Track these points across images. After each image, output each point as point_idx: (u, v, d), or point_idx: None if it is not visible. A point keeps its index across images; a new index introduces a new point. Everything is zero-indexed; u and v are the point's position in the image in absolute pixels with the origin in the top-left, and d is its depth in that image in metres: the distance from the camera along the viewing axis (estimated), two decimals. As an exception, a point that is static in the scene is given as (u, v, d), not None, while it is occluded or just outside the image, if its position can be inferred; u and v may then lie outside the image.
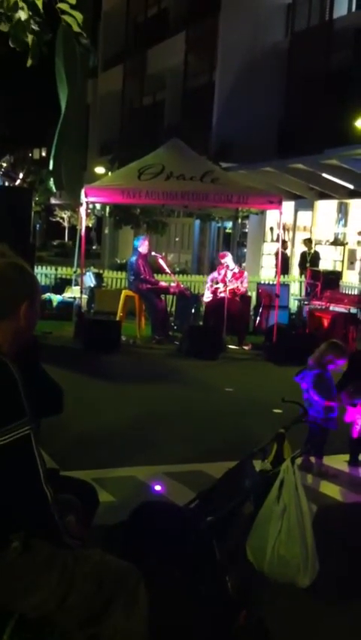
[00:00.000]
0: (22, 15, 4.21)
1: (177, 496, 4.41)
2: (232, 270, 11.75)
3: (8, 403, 2.08)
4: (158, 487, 4.84)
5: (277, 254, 14.31)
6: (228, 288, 11.36)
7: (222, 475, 3.52)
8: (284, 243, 18.81)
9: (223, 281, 11.54)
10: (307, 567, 3.04)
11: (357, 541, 4.32)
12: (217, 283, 11.82)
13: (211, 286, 11.97)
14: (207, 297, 12.03)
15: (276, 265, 13.22)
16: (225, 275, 11.60)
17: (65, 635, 2.25)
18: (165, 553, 3.01)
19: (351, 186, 17.26)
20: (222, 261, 11.86)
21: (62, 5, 4.18)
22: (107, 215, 22.29)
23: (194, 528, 3.10)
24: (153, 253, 12.29)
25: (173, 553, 3.04)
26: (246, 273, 12.60)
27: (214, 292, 11.81)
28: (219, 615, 3.05)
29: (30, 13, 4.24)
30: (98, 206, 20.00)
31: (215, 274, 12.12)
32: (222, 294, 11.39)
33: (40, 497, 2.10)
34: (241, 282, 11.89)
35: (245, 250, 23.27)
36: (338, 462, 5.76)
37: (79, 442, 5.82)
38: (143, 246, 11.75)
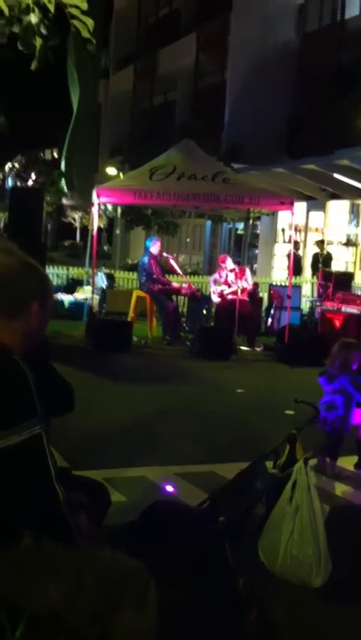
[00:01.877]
0: (33, 18, 4.22)
1: (189, 496, 4.41)
2: (232, 271, 11.77)
3: (20, 402, 2.09)
4: (169, 488, 4.84)
5: (289, 255, 14.27)
6: (233, 289, 11.40)
7: (234, 476, 3.52)
8: (296, 243, 18.76)
9: (226, 282, 11.58)
10: (320, 567, 3.03)
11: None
12: (220, 285, 11.88)
13: (216, 288, 12.03)
14: (215, 299, 12.07)
15: (288, 266, 13.20)
16: (226, 277, 11.65)
17: (75, 634, 2.25)
18: (176, 553, 3.01)
19: (363, 187, 17.19)
20: (223, 265, 12.00)
21: (72, 10, 4.19)
22: (118, 216, 22.33)
23: (205, 529, 3.10)
24: (165, 254, 12.31)
25: (184, 553, 3.04)
26: (248, 270, 12.63)
27: (221, 295, 11.86)
28: (230, 616, 3.05)
29: (40, 17, 4.25)
30: (109, 207, 20.07)
31: (216, 275, 12.18)
32: (230, 297, 11.41)
33: (52, 496, 2.11)
34: (246, 280, 11.92)
35: (257, 251, 23.24)
36: (350, 464, 5.74)
37: (90, 442, 5.83)
38: (155, 247, 11.77)
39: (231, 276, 11.63)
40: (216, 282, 12.09)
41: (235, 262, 12.57)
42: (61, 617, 2.18)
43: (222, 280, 11.75)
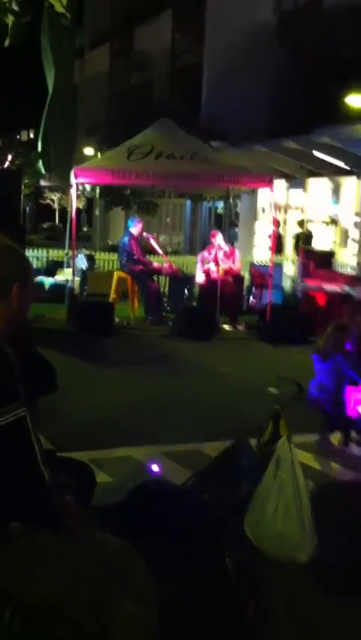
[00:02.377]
0: (4, -4, 4.15)
1: (175, 475, 4.42)
2: (222, 250, 11.72)
3: (2, 386, 2.07)
4: (155, 467, 4.85)
5: (270, 235, 14.30)
6: (220, 268, 11.34)
7: (219, 454, 3.53)
8: (277, 222, 18.77)
9: (215, 260, 11.51)
10: (305, 543, 3.06)
11: (355, 518, 4.34)
12: (208, 263, 11.80)
13: (203, 266, 11.95)
14: (200, 277, 12.02)
15: (270, 247, 13.22)
16: (216, 255, 11.56)
17: (75, 624, 2.24)
18: (165, 532, 3.02)
19: (343, 164, 17.20)
20: (213, 240, 11.83)
21: (45, -15, 4.12)
22: (97, 196, 22.18)
23: (193, 507, 3.11)
24: (145, 234, 12.25)
25: (172, 532, 3.05)
26: (237, 252, 12.58)
27: (207, 272, 11.79)
28: (219, 593, 3.06)
29: (11, -6, 4.18)
30: (88, 187, 19.89)
31: (205, 253, 12.10)
32: (215, 275, 11.36)
33: (38, 478, 2.10)
34: (233, 262, 11.88)
35: (237, 230, 23.21)
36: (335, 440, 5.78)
37: (75, 425, 5.83)
38: (135, 228, 11.70)
39: (220, 255, 11.57)
40: (204, 259, 12.01)
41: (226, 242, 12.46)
42: (51, 600, 2.18)
43: (211, 257, 11.68)
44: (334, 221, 19.20)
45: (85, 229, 34.55)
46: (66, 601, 2.14)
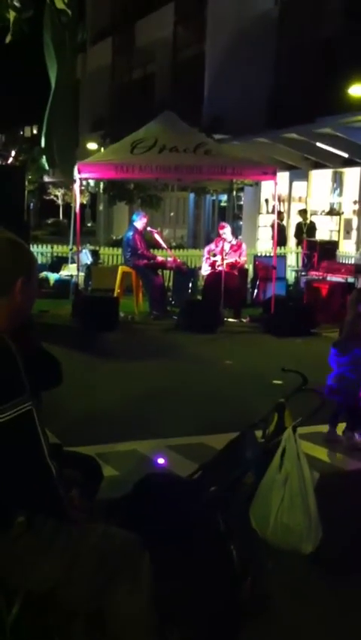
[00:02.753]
0: (6, -9, 4.15)
1: (180, 468, 4.44)
2: (229, 243, 11.71)
3: (8, 380, 2.09)
4: (160, 460, 4.87)
5: (273, 225, 14.27)
6: (226, 262, 11.33)
7: (224, 446, 3.55)
8: (280, 214, 18.72)
9: (221, 253, 11.51)
10: (311, 534, 3.07)
11: (360, 508, 4.36)
12: (215, 255, 11.79)
13: (208, 258, 11.94)
14: (206, 269, 12.01)
15: (273, 237, 13.20)
16: (222, 248, 11.55)
17: (71, 610, 2.27)
18: (169, 524, 3.04)
19: (345, 155, 17.15)
20: (221, 232, 11.82)
21: (46, -19, 4.13)
22: (101, 191, 22.18)
23: (197, 499, 3.13)
24: (149, 228, 12.26)
25: (177, 524, 3.07)
26: (244, 245, 12.56)
27: (212, 265, 11.78)
28: (224, 585, 3.09)
29: (13, -10, 4.19)
30: (91, 182, 19.91)
31: (212, 246, 12.10)
32: (220, 267, 11.36)
33: (45, 472, 2.12)
34: (239, 255, 11.87)
35: (241, 223, 23.19)
36: (340, 430, 5.79)
37: (80, 419, 5.85)
38: (140, 222, 11.71)
39: (227, 247, 11.56)
40: (210, 252, 12.01)
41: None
42: (56, 594, 2.20)
43: (218, 250, 11.68)
44: (336, 212, 19.15)
45: (89, 224, 34.57)
46: (62, 585, 2.16)
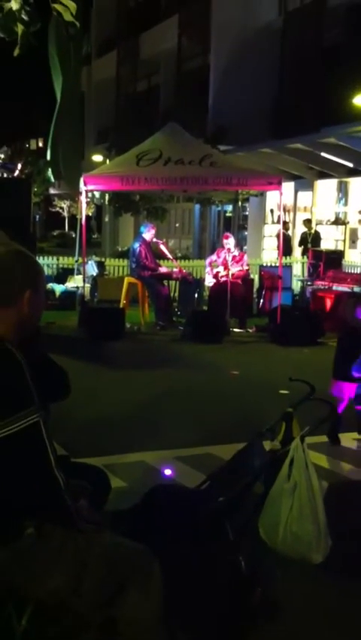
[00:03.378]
0: (14, 5, 4.18)
1: (188, 479, 4.44)
2: (232, 254, 11.73)
3: (16, 391, 2.09)
4: (168, 471, 4.86)
5: (278, 235, 14.29)
6: (230, 272, 11.35)
7: (232, 456, 3.54)
8: (285, 224, 18.77)
9: (224, 264, 11.52)
10: (320, 543, 3.06)
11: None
12: (217, 267, 11.82)
13: (212, 270, 11.97)
14: (210, 281, 12.03)
15: (278, 247, 13.21)
16: (225, 259, 11.58)
17: (81, 619, 2.27)
18: (178, 535, 3.04)
19: (350, 164, 17.18)
20: (225, 241, 11.84)
21: (53, -7, 4.14)
22: (106, 203, 22.23)
23: (206, 509, 3.13)
24: (155, 239, 12.29)
25: (186, 534, 3.06)
26: (246, 256, 12.59)
27: (216, 276, 11.81)
28: (233, 595, 3.08)
29: (21, 3, 4.21)
30: (97, 194, 19.96)
31: (213, 257, 12.13)
32: (225, 278, 11.38)
33: (53, 483, 2.12)
34: (242, 265, 11.89)
35: (246, 233, 23.23)
36: (347, 440, 5.79)
37: (87, 430, 5.85)
38: (148, 233, 11.75)
39: (229, 258, 11.58)
40: (212, 263, 12.05)
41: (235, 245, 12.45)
42: (66, 603, 2.20)
43: (220, 261, 11.70)
44: (342, 222, 19.17)
45: (95, 236, 34.65)
46: (71, 595, 2.16)
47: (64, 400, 2.66)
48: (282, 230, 14.76)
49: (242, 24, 21.91)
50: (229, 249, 11.67)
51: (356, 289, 12.05)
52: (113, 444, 5.51)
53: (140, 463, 5.15)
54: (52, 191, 34.25)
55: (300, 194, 21.02)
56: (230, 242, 11.80)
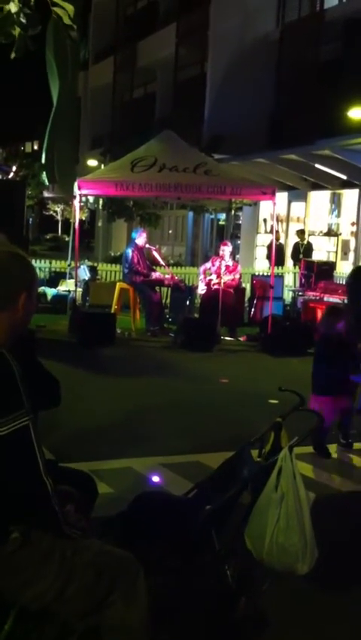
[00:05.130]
0: (13, 7, 4.16)
1: (175, 486, 4.42)
2: (225, 263, 11.75)
3: (6, 394, 2.08)
4: (155, 478, 4.85)
5: (270, 245, 14.32)
6: (222, 281, 11.37)
7: (220, 465, 3.53)
8: (277, 233, 18.83)
9: (218, 272, 11.54)
10: (306, 554, 3.05)
11: (355, 529, 4.35)
12: (210, 275, 11.83)
13: (205, 278, 11.98)
14: (202, 289, 12.05)
15: (270, 256, 13.23)
16: (219, 267, 11.59)
17: (65, 626, 2.26)
18: (164, 543, 3.02)
19: (344, 176, 17.26)
20: (223, 248, 11.87)
21: (52, -4, 4.13)
22: (100, 208, 22.25)
23: (192, 518, 3.11)
24: (147, 245, 12.30)
25: (172, 543, 3.05)
26: (239, 267, 12.61)
27: (208, 284, 11.82)
28: (218, 604, 3.07)
29: (20, 5, 4.20)
30: (91, 199, 19.97)
31: (207, 264, 12.15)
32: (216, 287, 11.39)
33: (41, 487, 2.11)
34: (234, 275, 11.91)
35: (239, 242, 23.28)
36: (334, 451, 5.79)
37: (75, 435, 5.83)
38: (140, 238, 11.76)
39: (223, 268, 11.59)
40: (205, 271, 12.07)
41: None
42: (50, 609, 2.19)
43: (214, 269, 11.72)
44: (334, 233, 19.25)
45: (88, 240, 34.63)
46: (56, 601, 2.15)
47: (54, 408, 2.65)
48: (274, 240, 14.81)
49: (240, 35, 22.02)
50: (223, 256, 11.69)
51: (347, 300, 12.06)
52: (100, 449, 5.49)
53: (127, 469, 5.13)
54: (46, 194, 34.26)
55: (293, 204, 21.09)
56: (227, 249, 11.83)
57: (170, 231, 27.23)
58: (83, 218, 32.34)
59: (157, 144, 12.10)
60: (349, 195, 18.82)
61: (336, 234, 19.21)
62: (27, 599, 2.17)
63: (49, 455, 3.65)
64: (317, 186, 19.27)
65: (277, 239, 18.38)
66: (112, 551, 2.29)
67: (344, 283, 14.72)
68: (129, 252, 11.64)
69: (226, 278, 11.56)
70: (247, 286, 14.01)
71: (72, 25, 4.08)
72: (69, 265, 14.51)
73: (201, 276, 12.18)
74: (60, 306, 12.96)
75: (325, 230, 19.60)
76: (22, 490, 2.11)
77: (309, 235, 18.97)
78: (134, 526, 3.10)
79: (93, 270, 14.86)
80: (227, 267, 11.76)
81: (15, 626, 2.18)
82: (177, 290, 12.45)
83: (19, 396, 2.09)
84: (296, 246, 17.60)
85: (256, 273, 15.61)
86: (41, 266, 15.79)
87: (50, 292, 13.71)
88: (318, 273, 13.73)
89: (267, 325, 11.13)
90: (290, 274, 16.81)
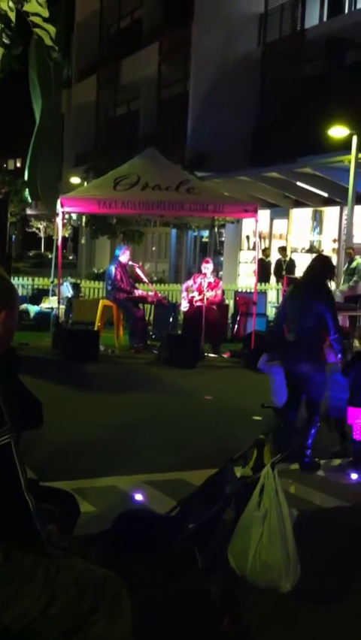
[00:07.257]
0: (-5, 28, 4.20)
1: (158, 504, 4.41)
2: (207, 280, 11.79)
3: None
4: (139, 497, 4.83)
5: (255, 261, 14.39)
6: (204, 297, 11.40)
7: (203, 482, 3.53)
8: (265, 250, 18.96)
9: (200, 289, 11.58)
10: (289, 571, 3.05)
11: (338, 546, 4.35)
12: (192, 292, 11.86)
13: (187, 295, 12.02)
14: (185, 306, 12.07)
15: (255, 272, 13.28)
16: (200, 284, 11.63)
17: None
18: (147, 561, 3.01)
19: (325, 194, 17.44)
20: (204, 265, 11.91)
21: (34, 18, 4.18)
22: (83, 225, 22.26)
23: (175, 536, 3.11)
24: (131, 262, 12.31)
25: (155, 561, 3.04)
26: (221, 283, 12.66)
27: (191, 301, 11.85)
28: (202, 622, 3.05)
29: (2, 26, 4.24)
30: (74, 216, 19.99)
31: (190, 282, 12.19)
32: (199, 303, 11.43)
33: (22, 506, 2.10)
34: (216, 291, 11.95)
35: (222, 259, 23.37)
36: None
37: (59, 453, 5.80)
38: (124, 255, 11.77)
39: (205, 284, 11.63)
40: (188, 288, 12.10)
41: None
42: (34, 628, 2.17)
43: (196, 287, 11.76)
44: (316, 250, 19.39)
45: (71, 257, 34.63)
46: (39, 620, 2.13)
47: (35, 429, 2.63)
48: (259, 257, 14.89)
49: (222, 53, 22.25)
50: (205, 274, 11.73)
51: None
52: (84, 468, 5.47)
53: (111, 487, 5.11)
54: (29, 211, 34.22)
55: (276, 221, 21.24)
56: (209, 267, 11.87)
57: (153, 248, 27.29)
58: (67, 235, 32.36)
59: (140, 162, 12.16)
60: (330, 213, 18.99)
61: (318, 251, 19.34)
62: (10, 618, 2.15)
63: (30, 474, 3.63)
64: (299, 204, 19.44)
65: (266, 256, 18.49)
66: (95, 570, 2.28)
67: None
68: (112, 269, 11.64)
69: (209, 294, 11.60)
70: (231, 303, 14.05)
71: (54, 47, 4.12)
72: (52, 282, 14.50)
73: (184, 294, 12.21)
74: (43, 323, 12.93)
75: (307, 247, 19.74)
76: (3, 508, 2.10)
77: (291, 252, 19.10)
78: (117, 545, 3.09)
79: (76, 287, 14.85)
80: (209, 283, 11.80)
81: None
82: (161, 306, 12.46)
83: (0, 415, 2.08)
84: (279, 263, 17.71)
85: (239, 290, 15.67)
86: (24, 283, 15.76)
87: (33, 309, 13.67)
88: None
89: (250, 341, 11.16)
90: (273, 290, 16.89)
